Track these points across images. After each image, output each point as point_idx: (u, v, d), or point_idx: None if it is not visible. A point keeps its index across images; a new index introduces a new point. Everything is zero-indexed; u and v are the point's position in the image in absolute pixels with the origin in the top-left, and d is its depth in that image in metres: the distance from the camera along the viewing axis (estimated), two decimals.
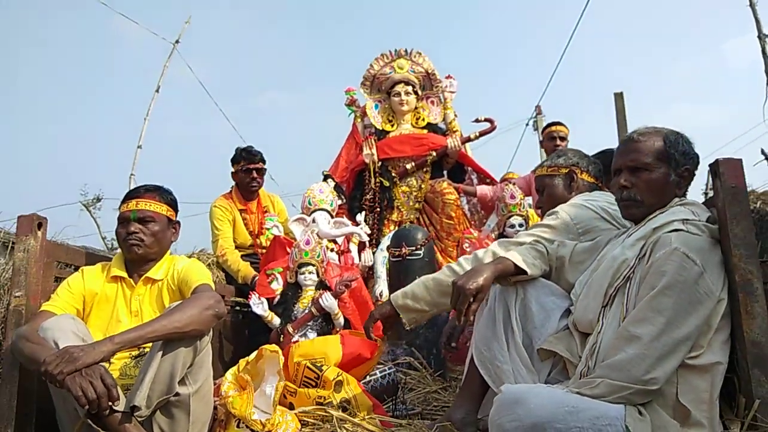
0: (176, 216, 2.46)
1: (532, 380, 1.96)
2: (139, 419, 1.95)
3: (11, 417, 2.05)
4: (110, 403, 1.82)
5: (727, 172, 1.83)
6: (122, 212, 2.32)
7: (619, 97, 17.48)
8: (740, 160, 1.84)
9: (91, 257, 2.52)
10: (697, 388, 1.69)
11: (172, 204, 2.43)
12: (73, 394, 1.76)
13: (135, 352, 2.18)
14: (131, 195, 2.36)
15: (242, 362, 2.30)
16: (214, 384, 2.30)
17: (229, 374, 2.24)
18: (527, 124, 18.29)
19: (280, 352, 2.23)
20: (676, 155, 1.93)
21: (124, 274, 2.33)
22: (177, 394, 2.02)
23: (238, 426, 2.15)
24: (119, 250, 2.43)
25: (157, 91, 9.14)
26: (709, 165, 1.91)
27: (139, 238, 2.28)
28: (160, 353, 1.96)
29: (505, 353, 2.05)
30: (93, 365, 1.80)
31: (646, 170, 1.93)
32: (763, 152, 5.35)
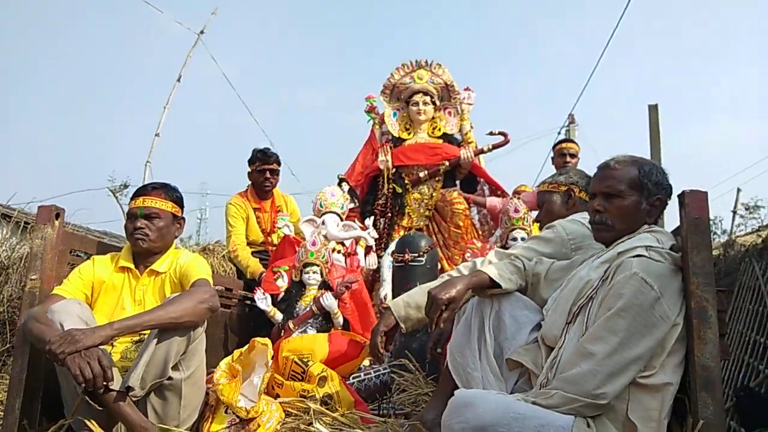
0: (182, 212, 2.64)
1: (499, 388, 2.08)
2: (133, 399, 2.13)
3: (20, 389, 2.26)
4: (105, 383, 2.01)
5: (692, 203, 1.93)
6: (130, 208, 2.52)
7: (653, 110, 17.31)
8: (705, 193, 1.93)
9: (103, 246, 2.72)
10: (647, 406, 1.80)
11: (178, 201, 2.61)
12: (72, 373, 1.95)
13: (136, 338, 2.37)
14: (139, 192, 2.55)
15: (236, 352, 2.47)
16: (211, 372, 2.48)
17: (223, 363, 2.41)
18: (559, 132, 18.40)
19: (270, 344, 2.40)
20: (648, 185, 2.04)
21: (131, 265, 2.52)
22: (170, 378, 2.20)
23: (226, 412, 2.32)
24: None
25: (179, 80, 9.34)
26: (678, 195, 2.01)
27: (144, 233, 2.47)
28: (156, 340, 2.14)
29: (476, 361, 2.18)
30: (92, 347, 1.99)
31: (619, 197, 2.04)
32: None
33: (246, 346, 2.47)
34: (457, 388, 2.20)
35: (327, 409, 2.40)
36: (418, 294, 2.47)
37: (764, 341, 4.66)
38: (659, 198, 2.06)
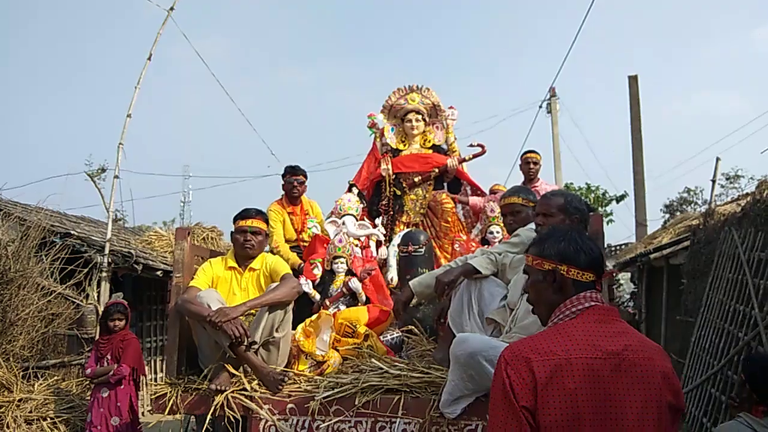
0: (267, 228, 4.02)
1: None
2: (252, 350, 3.53)
3: (175, 347, 3.65)
4: (244, 339, 3.40)
5: (594, 222, 3.37)
6: (240, 226, 3.88)
7: (633, 81, 18.16)
8: (601, 216, 3.38)
9: (213, 254, 4.11)
10: None
11: (267, 221, 3.99)
12: (227, 333, 3.33)
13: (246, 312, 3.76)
14: (245, 216, 3.91)
15: (307, 321, 3.89)
16: None
17: (299, 328, 3.81)
18: (540, 106, 19.46)
19: (332, 315, 3.81)
20: (569, 209, 3.45)
21: (236, 265, 3.91)
22: (273, 336, 3.60)
23: (306, 358, 3.73)
24: (231, 247, 4.01)
25: (149, 59, 9.30)
26: (589, 215, 3.44)
27: (252, 243, 3.85)
28: (267, 312, 3.54)
29: (467, 320, 3.61)
30: (236, 318, 3.38)
31: (551, 216, 3.46)
32: None
33: (314, 316, 3.89)
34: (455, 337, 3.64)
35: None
36: (428, 278, 3.90)
37: (744, 309, 5.49)
38: (576, 216, 3.47)
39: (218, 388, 3.36)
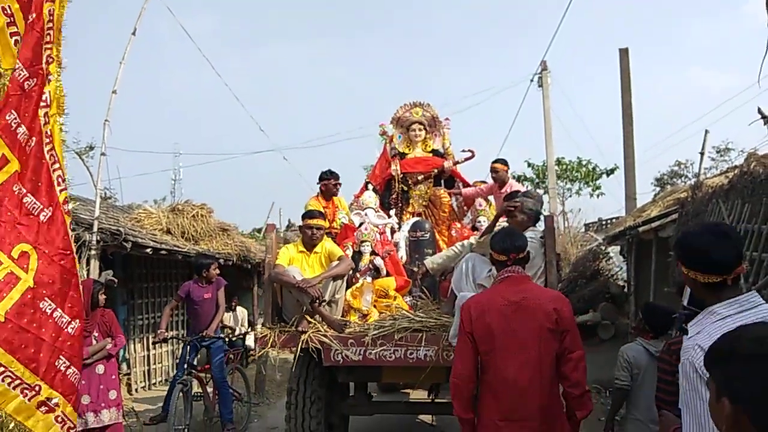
0: (325, 222, 6.10)
1: None
2: (322, 306, 5.62)
3: (269, 304, 5.74)
4: (320, 299, 5.50)
5: (546, 221, 5.49)
6: (308, 223, 5.90)
7: (624, 54, 19.48)
8: (552, 216, 5.50)
9: (287, 242, 6.20)
10: None
11: (325, 218, 6.07)
12: (310, 294, 5.41)
13: None
14: (311, 216, 5.93)
15: (354, 287, 5.99)
16: None
17: (349, 292, 5.92)
18: (532, 80, 20.87)
19: (371, 283, 5.93)
20: (525, 211, 5.57)
21: (304, 250, 5.97)
22: (334, 297, 5.70)
23: (354, 312, 5.85)
24: (299, 237, 6.09)
25: (134, 34, 9.66)
26: (543, 216, 5.57)
27: (316, 236, 5.91)
28: (331, 281, 5.62)
29: (464, 285, 5.71)
30: (315, 285, 5.47)
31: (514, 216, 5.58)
32: (760, 111, 6.60)
33: (359, 283, 6.01)
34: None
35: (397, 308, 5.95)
36: (439, 257, 6.02)
37: None
38: (536, 217, 5.59)
39: (303, 330, 5.47)
